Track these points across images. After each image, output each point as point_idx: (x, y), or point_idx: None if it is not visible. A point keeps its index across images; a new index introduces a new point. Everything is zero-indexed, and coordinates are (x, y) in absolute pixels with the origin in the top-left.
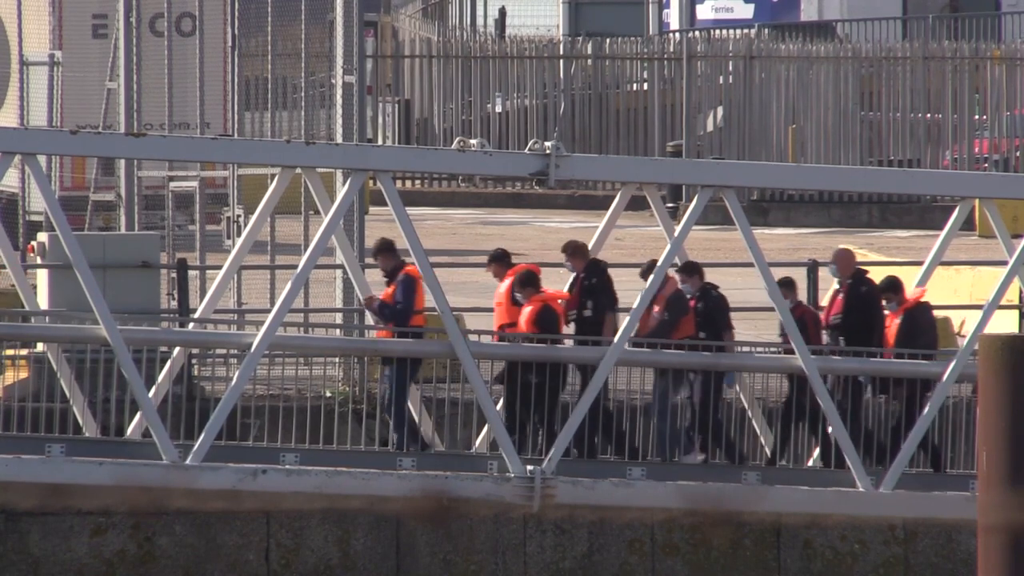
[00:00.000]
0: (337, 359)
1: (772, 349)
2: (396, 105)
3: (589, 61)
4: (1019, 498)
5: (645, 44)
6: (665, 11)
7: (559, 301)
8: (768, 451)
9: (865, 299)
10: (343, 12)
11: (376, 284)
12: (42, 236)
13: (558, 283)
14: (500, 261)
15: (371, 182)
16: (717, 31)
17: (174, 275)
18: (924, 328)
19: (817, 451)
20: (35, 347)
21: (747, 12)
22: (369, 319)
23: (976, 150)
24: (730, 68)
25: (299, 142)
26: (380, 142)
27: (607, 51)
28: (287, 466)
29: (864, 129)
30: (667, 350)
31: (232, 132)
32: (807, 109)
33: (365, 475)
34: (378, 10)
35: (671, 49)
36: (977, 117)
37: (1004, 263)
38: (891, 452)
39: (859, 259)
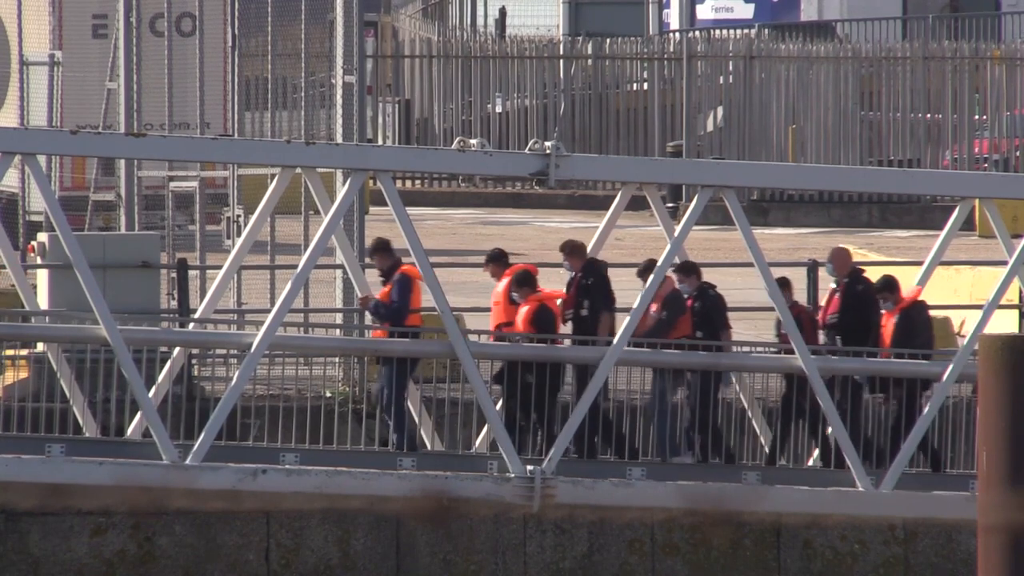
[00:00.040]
0: (337, 359)
1: (771, 349)
2: (396, 105)
3: (589, 61)
4: (1019, 498)
5: (645, 44)
6: (665, 11)
7: (556, 301)
8: (767, 449)
9: (861, 298)
10: (343, 12)
11: (377, 284)
12: (42, 236)
13: (558, 283)
14: (497, 261)
15: (371, 182)
16: (717, 31)
17: (174, 275)
18: (920, 327)
19: (817, 451)
20: (35, 347)
21: (747, 12)
22: (369, 319)
23: (976, 150)
24: (730, 68)
25: (299, 142)
26: (380, 142)
27: (607, 51)
28: (287, 466)
29: (864, 129)
30: (667, 350)
31: (232, 132)
32: (807, 109)
33: (365, 475)
34: (378, 10)
35: (671, 49)
36: (977, 117)
37: (1004, 263)
38: (890, 452)
39: (859, 259)
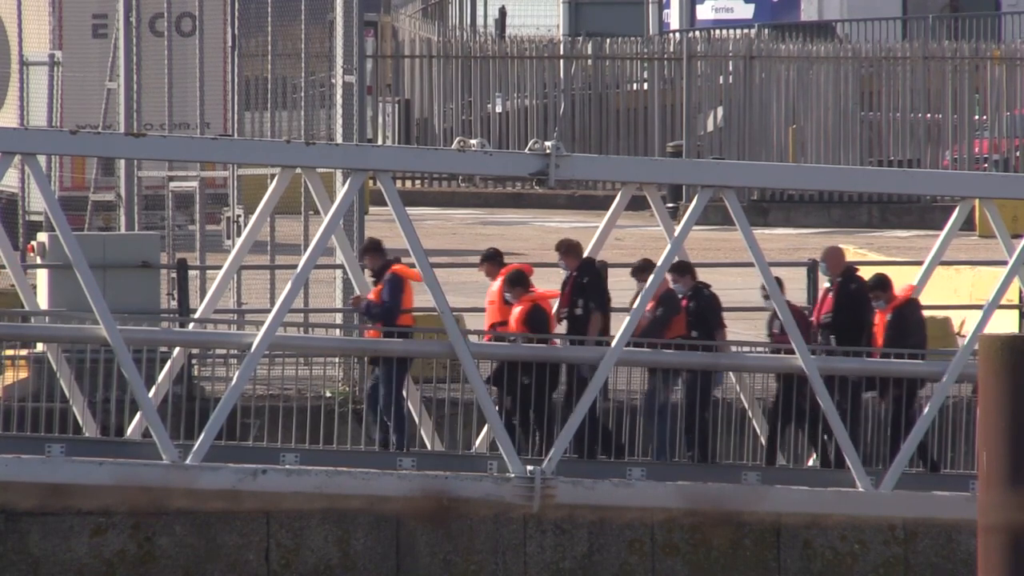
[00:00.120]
0: (337, 359)
1: (767, 349)
2: (396, 105)
3: (589, 61)
4: (1019, 498)
5: (645, 44)
6: (665, 11)
7: (549, 301)
8: (764, 442)
9: (855, 297)
10: (343, 12)
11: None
12: (42, 236)
13: (557, 283)
14: (492, 260)
15: (371, 182)
16: (717, 31)
17: (174, 275)
18: (913, 326)
19: (815, 455)
20: (35, 347)
21: (747, 12)
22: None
23: (976, 150)
24: (730, 68)
25: (299, 142)
26: (380, 142)
27: (607, 51)
28: (287, 466)
29: (864, 129)
30: (666, 350)
31: (232, 132)
32: (807, 109)
33: (365, 475)
34: (378, 10)
35: (671, 49)
36: (977, 117)
37: (1004, 263)
38: (890, 452)
39: (860, 259)
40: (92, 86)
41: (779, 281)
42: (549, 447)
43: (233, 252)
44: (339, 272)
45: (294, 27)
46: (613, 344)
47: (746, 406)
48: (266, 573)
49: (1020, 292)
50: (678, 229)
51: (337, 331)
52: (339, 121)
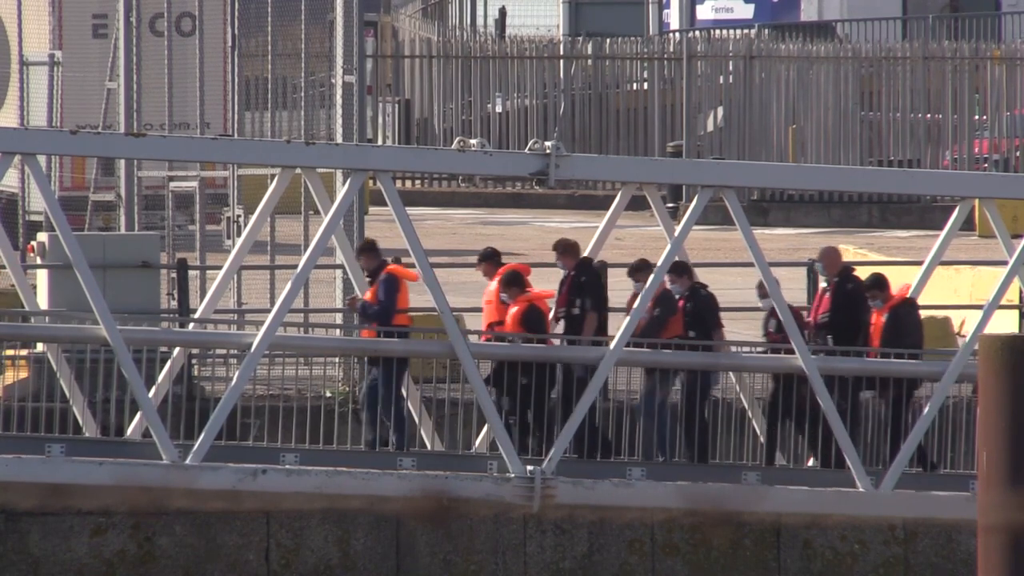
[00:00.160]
0: (337, 359)
1: (763, 349)
2: (396, 105)
3: (589, 61)
4: (1019, 498)
5: (645, 44)
6: (665, 11)
7: (545, 301)
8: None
9: (851, 296)
10: (343, 12)
11: None
12: (42, 236)
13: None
14: (490, 260)
15: (371, 182)
16: (717, 31)
17: (174, 275)
18: (910, 326)
19: (813, 457)
20: (35, 347)
21: (747, 12)
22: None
23: (976, 150)
24: (730, 68)
25: (299, 142)
26: (380, 142)
27: (607, 51)
28: (287, 466)
29: (864, 129)
30: (666, 350)
31: (232, 132)
32: (807, 109)
33: (365, 475)
34: (378, 10)
35: (671, 49)
36: (977, 117)
37: (1004, 263)
38: (888, 451)
39: (860, 259)
40: (92, 86)
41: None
42: (548, 447)
43: (233, 252)
44: (339, 272)
45: (294, 27)
46: (613, 344)
47: (746, 406)
48: (266, 573)
49: (1020, 292)
50: (678, 229)
51: (337, 331)
52: (339, 121)
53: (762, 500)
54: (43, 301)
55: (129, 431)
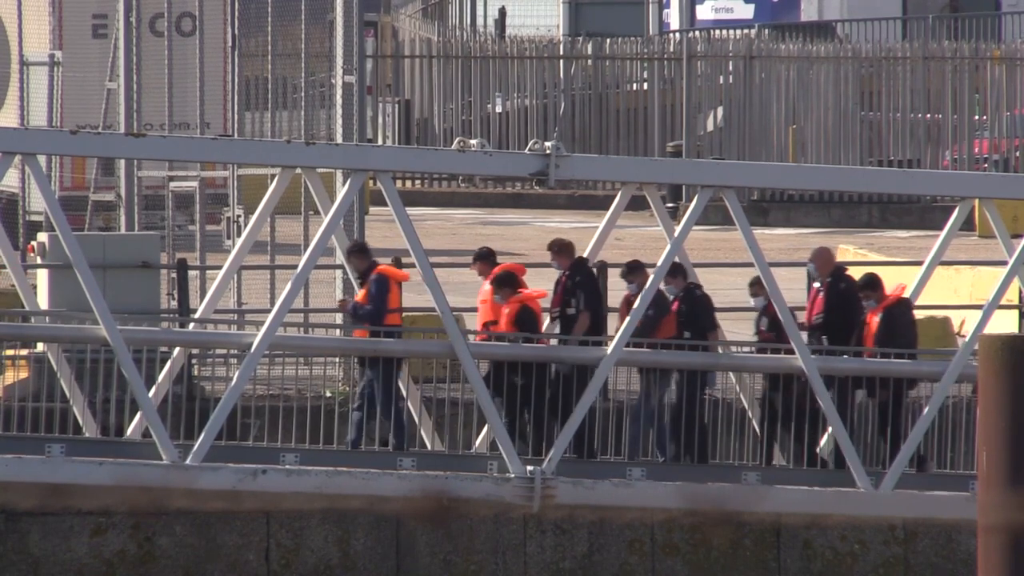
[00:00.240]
0: (337, 359)
1: (757, 348)
2: (396, 105)
3: (589, 61)
4: (1019, 498)
5: (645, 44)
6: (665, 11)
7: (538, 300)
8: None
9: (845, 296)
10: (343, 12)
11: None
12: (42, 236)
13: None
14: (485, 259)
15: (371, 182)
16: (717, 31)
17: (174, 275)
18: (904, 326)
19: (817, 449)
20: (35, 347)
21: (747, 12)
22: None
23: (976, 150)
24: (730, 68)
25: (299, 142)
26: (380, 142)
27: (607, 51)
28: (287, 466)
29: (864, 129)
30: (666, 350)
31: (232, 132)
32: (807, 109)
33: (365, 475)
34: (378, 10)
35: (671, 49)
36: (977, 117)
37: (1004, 263)
38: (886, 451)
39: (860, 259)
40: (92, 86)
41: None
42: (544, 446)
43: (233, 252)
44: (339, 272)
45: (294, 27)
46: (612, 345)
47: (745, 406)
48: (266, 573)
49: (1020, 292)
50: (678, 229)
51: (337, 331)
52: (339, 121)
53: (762, 500)
54: (43, 301)
55: (129, 431)
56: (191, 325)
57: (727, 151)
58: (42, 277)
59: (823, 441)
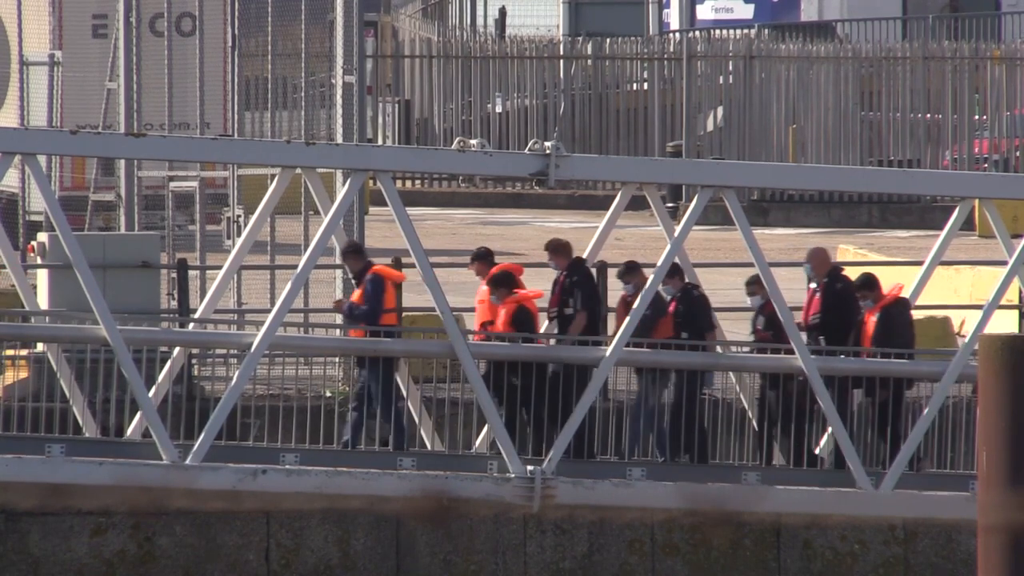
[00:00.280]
0: (337, 359)
1: (753, 347)
2: (396, 105)
3: (589, 61)
4: (1019, 498)
5: (645, 44)
6: (665, 11)
7: (534, 300)
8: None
9: (841, 296)
10: (343, 12)
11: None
12: (42, 236)
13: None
14: (483, 259)
15: (371, 182)
16: (717, 31)
17: (174, 275)
18: (901, 326)
19: (818, 449)
20: (35, 347)
21: (747, 12)
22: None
23: (976, 150)
24: (730, 68)
25: (299, 142)
26: (380, 142)
27: (607, 51)
28: (287, 466)
29: (864, 129)
30: (666, 350)
31: (232, 132)
32: (807, 109)
33: (365, 475)
34: (378, 10)
35: (671, 49)
36: (977, 117)
37: (1004, 263)
38: (885, 451)
39: (860, 259)
40: (92, 86)
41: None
42: (542, 446)
43: (233, 252)
44: (339, 272)
45: (294, 27)
46: (612, 345)
47: (745, 406)
48: (266, 573)
49: (1020, 292)
50: (678, 229)
51: (337, 331)
52: (339, 121)
53: (762, 500)
54: (43, 301)
55: (129, 431)
56: (191, 325)
57: (727, 151)
58: (42, 277)
59: (823, 441)
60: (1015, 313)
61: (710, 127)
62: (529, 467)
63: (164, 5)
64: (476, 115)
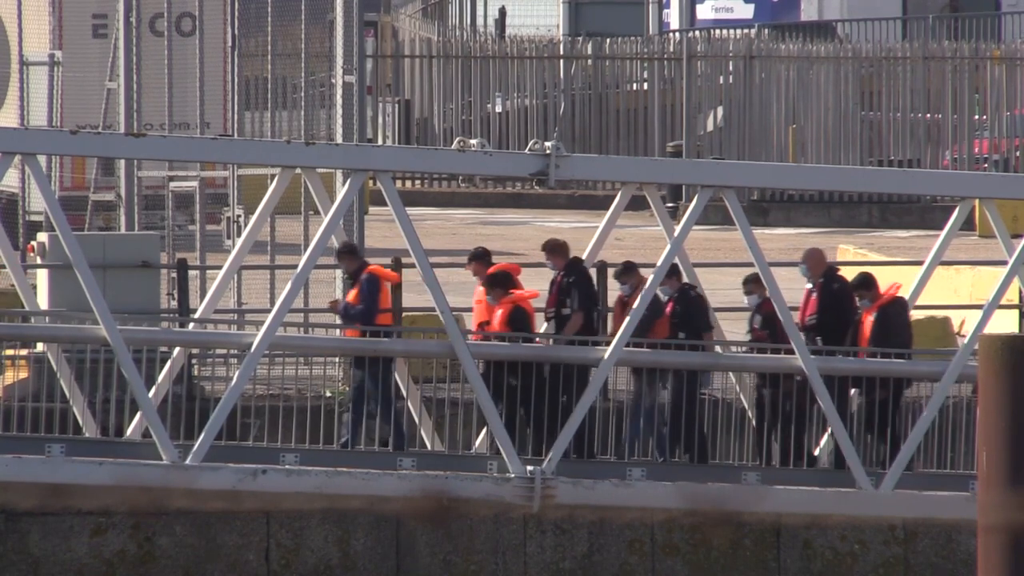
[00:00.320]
0: (337, 359)
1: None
2: (396, 105)
3: (589, 61)
4: (1019, 498)
5: (645, 44)
6: (665, 11)
7: (529, 300)
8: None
9: (838, 296)
10: (343, 12)
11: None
12: (42, 236)
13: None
14: (480, 259)
15: (371, 182)
16: (717, 31)
17: (174, 275)
18: (899, 326)
19: (817, 451)
20: (35, 347)
21: (747, 12)
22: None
23: (976, 150)
24: (730, 68)
25: (299, 142)
26: (380, 142)
27: (607, 51)
28: (287, 466)
29: (864, 129)
30: (666, 350)
31: (232, 132)
32: (807, 109)
33: (365, 475)
34: (378, 10)
35: (671, 49)
36: (977, 117)
37: (1004, 263)
38: (885, 451)
39: (860, 259)
40: (92, 86)
41: (759, 277)
42: (542, 446)
43: (233, 252)
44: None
45: (294, 27)
46: (612, 345)
47: (745, 406)
48: (266, 573)
49: (1020, 292)
50: (678, 229)
51: (337, 331)
52: (339, 121)
53: (762, 500)
54: (43, 301)
55: (129, 431)
56: (191, 325)
57: (727, 151)
58: (42, 277)
59: (823, 441)
60: (1015, 313)
61: (710, 127)
62: (529, 467)
63: (164, 5)
64: (476, 115)
